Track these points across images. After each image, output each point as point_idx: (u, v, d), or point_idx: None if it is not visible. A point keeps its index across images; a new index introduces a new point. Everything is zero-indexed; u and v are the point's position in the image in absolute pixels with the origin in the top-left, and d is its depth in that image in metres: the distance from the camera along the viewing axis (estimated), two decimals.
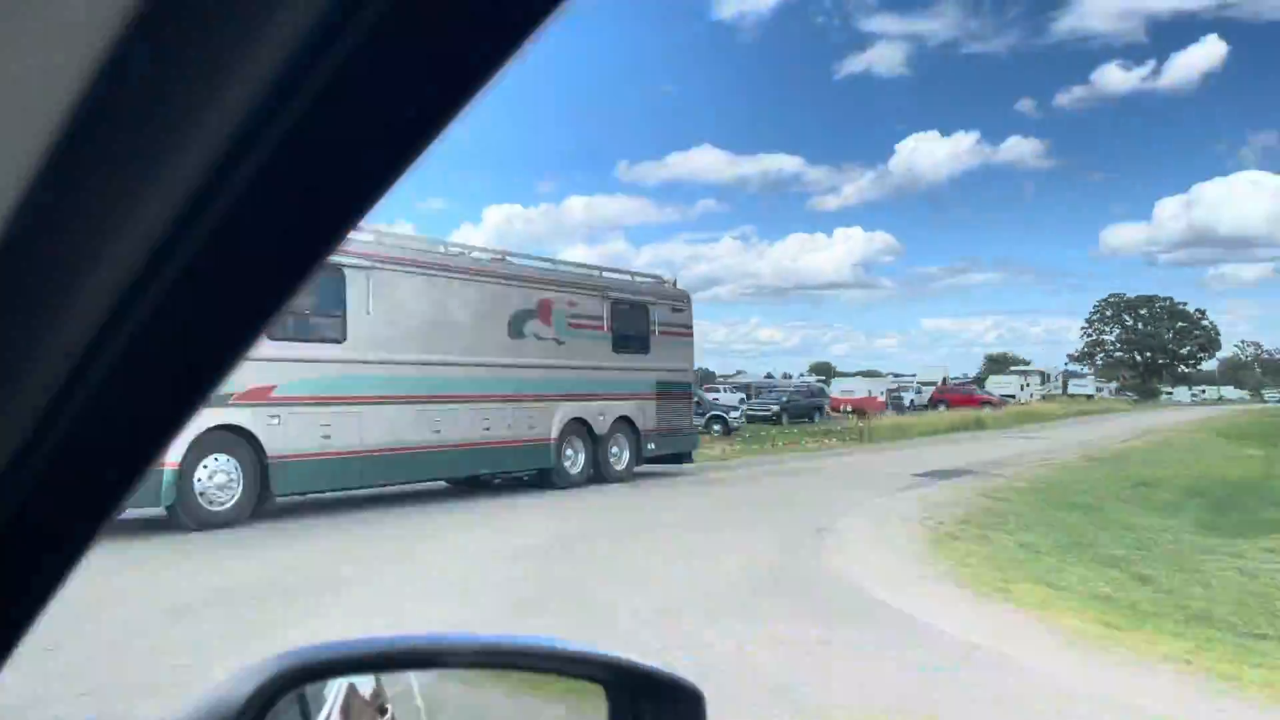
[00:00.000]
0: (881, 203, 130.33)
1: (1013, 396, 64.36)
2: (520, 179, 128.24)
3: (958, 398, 55.21)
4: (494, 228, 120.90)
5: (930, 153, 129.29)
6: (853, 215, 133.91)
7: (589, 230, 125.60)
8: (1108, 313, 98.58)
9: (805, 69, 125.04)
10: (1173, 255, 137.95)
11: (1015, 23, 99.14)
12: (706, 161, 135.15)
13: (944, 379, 72.24)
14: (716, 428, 31.02)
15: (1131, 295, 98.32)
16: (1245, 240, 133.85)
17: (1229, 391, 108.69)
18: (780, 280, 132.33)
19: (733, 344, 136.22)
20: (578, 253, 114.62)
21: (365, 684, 1.27)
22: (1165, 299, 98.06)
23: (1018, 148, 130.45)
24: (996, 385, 70.57)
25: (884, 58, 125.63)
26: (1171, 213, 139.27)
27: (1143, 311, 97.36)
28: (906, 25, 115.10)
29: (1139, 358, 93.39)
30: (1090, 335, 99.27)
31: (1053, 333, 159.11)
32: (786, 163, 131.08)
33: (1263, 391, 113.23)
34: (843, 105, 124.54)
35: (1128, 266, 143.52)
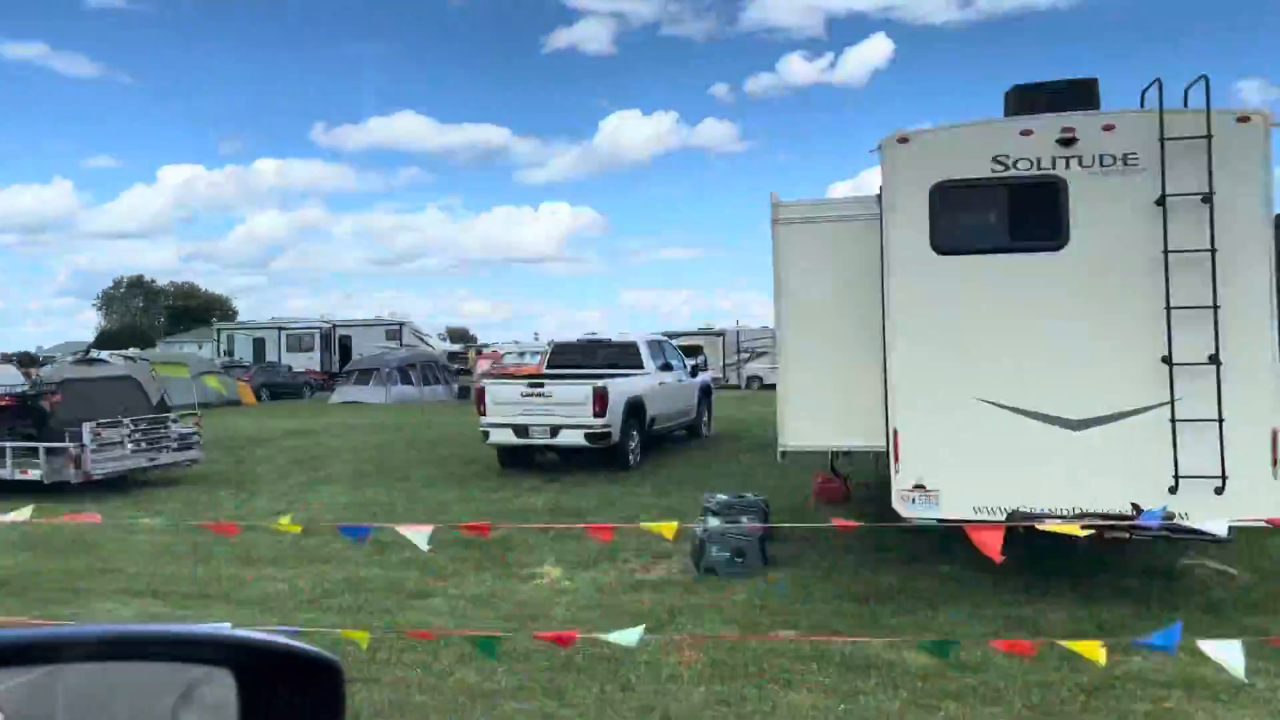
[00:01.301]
0: (587, 178, 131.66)
1: None
2: (200, 137, 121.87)
3: None
4: (172, 190, 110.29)
5: (633, 131, 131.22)
6: (559, 189, 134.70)
7: (283, 196, 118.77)
8: None
9: (513, 39, 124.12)
10: None
11: (711, 9, 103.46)
12: (411, 128, 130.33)
13: None
14: None
15: None
16: None
17: None
18: (488, 253, 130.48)
19: (439, 317, 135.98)
20: (269, 219, 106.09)
21: None
22: None
23: (713, 130, 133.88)
24: None
25: (590, 34, 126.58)
26: (843, 195, 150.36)
27: None
28: (611, 2, 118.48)
29: None
30: None
31: (741, 305, 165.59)
32: (494, 134, 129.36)
33: None
34: (550, 79, 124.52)
35: None
